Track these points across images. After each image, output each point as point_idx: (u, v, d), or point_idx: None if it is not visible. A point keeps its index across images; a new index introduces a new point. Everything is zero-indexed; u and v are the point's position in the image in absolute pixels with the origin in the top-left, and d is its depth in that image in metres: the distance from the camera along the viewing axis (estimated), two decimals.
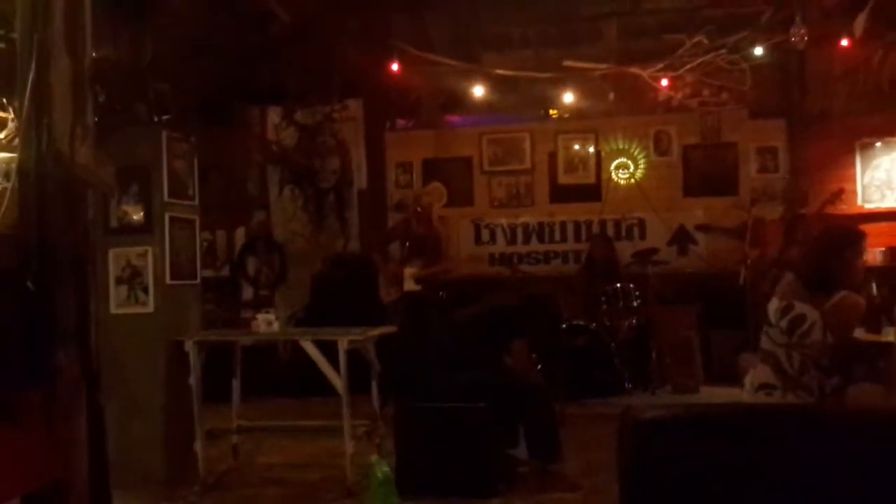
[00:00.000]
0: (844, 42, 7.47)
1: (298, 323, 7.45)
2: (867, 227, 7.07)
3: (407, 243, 7.28)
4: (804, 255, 4.11)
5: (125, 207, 4.96)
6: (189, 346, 4.79)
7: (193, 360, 4.78)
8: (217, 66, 6.89)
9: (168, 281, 4.93)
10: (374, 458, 4.49)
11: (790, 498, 2.09)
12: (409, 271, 7.03)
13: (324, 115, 8.62)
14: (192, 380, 4.78)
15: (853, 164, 7.98)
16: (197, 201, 5.27)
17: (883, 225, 7.10)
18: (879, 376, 3.79)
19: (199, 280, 5.27)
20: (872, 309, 4.11)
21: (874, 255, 7.10)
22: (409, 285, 7.02)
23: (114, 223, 4.95)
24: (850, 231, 4.01)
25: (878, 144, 7.91)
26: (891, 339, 4.00)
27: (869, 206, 7.84)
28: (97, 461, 3.01)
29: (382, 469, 4.07)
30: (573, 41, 8.18)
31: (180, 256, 5.05)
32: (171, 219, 5.00)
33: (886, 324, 4.23)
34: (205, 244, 7.29)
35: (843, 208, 7.82)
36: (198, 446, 4.82)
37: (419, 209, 7.38)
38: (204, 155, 5.50)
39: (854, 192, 7.93)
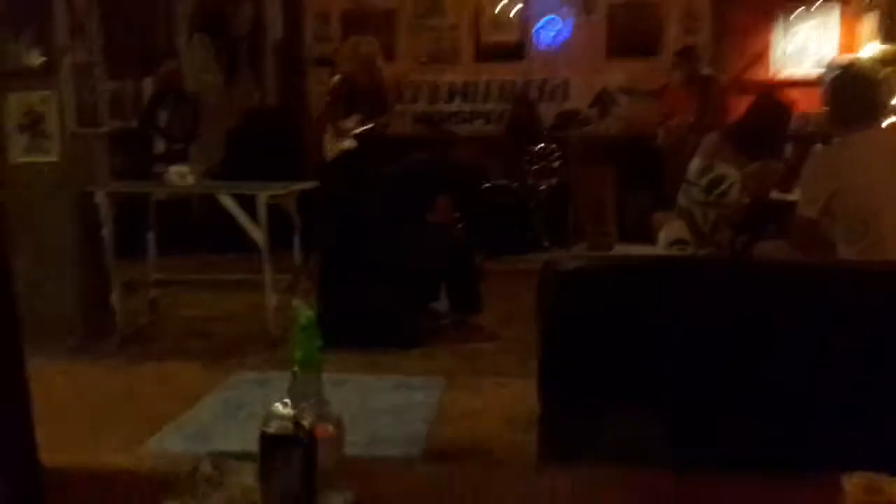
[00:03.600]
0: None
1: (215, 178, 7.24)
2: (783, 94, 7.26)
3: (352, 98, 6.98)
4: (741, 120, 4.25)
5: (21, 50, 4.63)
6: (100, 197, 4.63)
7: (105, 211, 4.63)
8: None
9: (73, 129, 4.68)
10: (295, 302, 4.49)
11: (700, 340, 2.20)
12: (348, 125, 6.78)
13: None
14: (105, 232, 4.65)
15: (772, 30, 8.05)
16: (99, 45, 4.95)
17: (797, 91, 7.25)
18: (787, 233, 3.98)
19: (105, 128, 5.03)
20: (786, 170, 4.27)
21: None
22: (349, 142, 6.79)
23: (10, 65, 4.62)
24: (786, 106, 4.16)
25: (799, 11, 7.97)
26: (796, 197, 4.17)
27: (785, 73, 7.98)
28: (4, 315, 2.92)
29: (305, 313, 4.05)
30: None
31: (84, 103, 4.78)
32: (72, 63, 4.70)
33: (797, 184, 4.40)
34: (111, 94, 6.89)
35: (761, 73, 7.94)
36: (114, 299, 4.75)
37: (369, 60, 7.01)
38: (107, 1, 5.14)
39: (770, 58, 8.05)
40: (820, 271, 2.48)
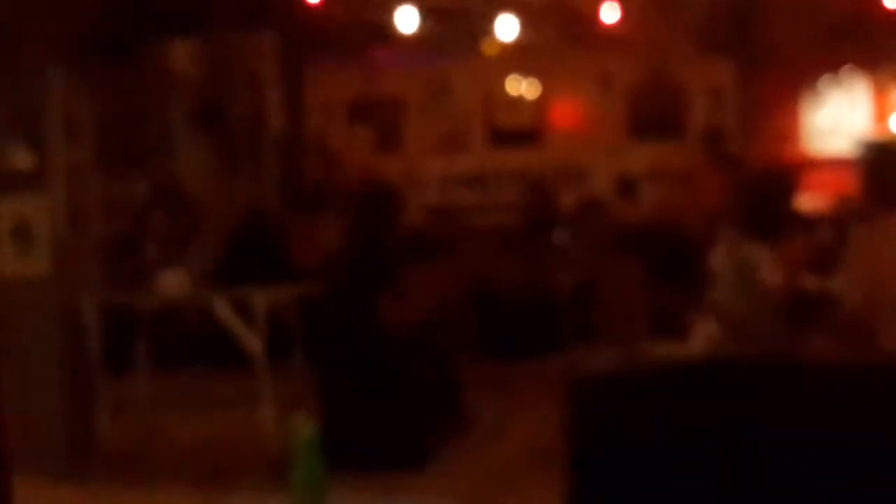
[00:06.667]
0: None
1: (210, 280, 7.29)
2: (815, 174, 7.33)
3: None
4: (743, 203, 4.33)
5: (13, 153, 4.75)
6: (89, 308, 4.67)
7: (93, 323, 4.66)
8: None
9: (62, 236, 4.76)
10: (297, 417, 4.42)
11: (748, 452, 2.16)
12: (316, 230, 6.86)
13: (234, 47, 8.36)
14: (92, 346, 4.67)
15: (801, 105, 8.16)
16: (93, 146, 5.10)
17: (830, 171, 7.33)
18: (835, 327, 3.96)
19: (96, 235, 5.12)
20: (822, 255, 4.30)
21: (820, 201, 7.34)
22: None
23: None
24: (785, 177, 4.26)
25: (828, 84, 8.10)
26: (837, 287, 4.17)
27: (817, 150, 8.06)
28: None
29: (308, 430, 3.98)
30: None
31: (76, 208, 4.89)
32: (65, 166, 4.82)
33: (835, 271, 4.41)
34: (101, 196, 7.03)
35: (793, 153, 8.03)
36: (101, 419, 4.73)
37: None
38: (101, 96, 5.31)
39: (802, 137, 8.14)
40: (871, 369, 2.45)
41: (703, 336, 4.05)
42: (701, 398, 2.31)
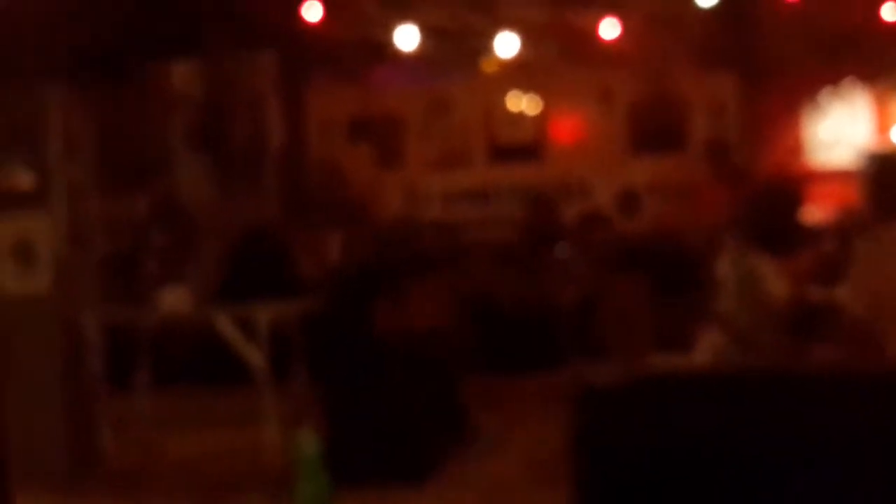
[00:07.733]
0: None
1: (213, 299, 7.31)
2: (818, 186, 7.37)
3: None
4: (749, 214, 4.37)
5: (12, 172, 4.80)
6: (90, 326, 4.70)
7: (95, 340, 4.68)
8: (116, 15, 6.68)
9: (64, 254, 4.79)
10: (301, 431, 4.43)
11: (753, 460, 2.17)
12: (329, 244, 6.91)
13: (234, 67, 8.44)
14: (94, 363, 4.69)
15: (803, 117, 8.23)
16: (93, 165, 5.14)
17: (832, 183, 7.37)
18: (840, 338, 3.97)
19: (97, 253, 5.15)
20: (826, 266, 4.33)
21: (823, 213, 7.38)
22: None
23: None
24: (793, 189, 4.30)
25: (829, 97, 8.17)
26: (842, 298, 4.19)
27: (818, 165, 8.10)
28: None
29: (311, 443, 4.02)
30: None
31: (76, 226, 4.92)
32: (65, 184, 4.86)
33: (840, 282, 4.43)
34: (101, 214, 7.08)
35: (796, 166, 8.08)
36: (103, 437, 4.75)
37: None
38: (101, 114, 5.36)
39: (804, 150, 8.19)
40: (876, 379, 2.46)
41: (708, 347, 4.08)
42: (707, 409, 2.32)
